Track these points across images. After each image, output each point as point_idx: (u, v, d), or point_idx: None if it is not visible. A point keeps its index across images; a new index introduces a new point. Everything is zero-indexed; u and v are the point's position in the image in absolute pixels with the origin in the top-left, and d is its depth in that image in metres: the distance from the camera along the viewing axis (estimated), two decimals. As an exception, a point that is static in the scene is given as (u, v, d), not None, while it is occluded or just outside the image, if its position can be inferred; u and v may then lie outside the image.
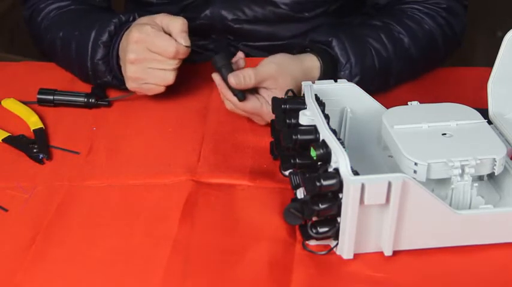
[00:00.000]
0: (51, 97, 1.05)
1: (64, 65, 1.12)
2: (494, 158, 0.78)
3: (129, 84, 1.00)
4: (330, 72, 1.00)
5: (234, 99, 0.94)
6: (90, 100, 1.04)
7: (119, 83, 1.04)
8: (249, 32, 1.15)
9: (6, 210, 0.85)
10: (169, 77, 0.98)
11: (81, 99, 1.05)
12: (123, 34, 1.02)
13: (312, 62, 1.00)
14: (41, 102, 1.05)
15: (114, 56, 1.03)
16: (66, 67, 1.11)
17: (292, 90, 0.88)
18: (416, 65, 1.08)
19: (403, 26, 1.06)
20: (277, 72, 0.95)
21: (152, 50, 0.97)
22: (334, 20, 1.16)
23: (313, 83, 0.89)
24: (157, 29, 0.97)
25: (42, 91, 1.05)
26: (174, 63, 0.97)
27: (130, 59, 0.98)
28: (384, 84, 1.05)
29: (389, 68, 1.04)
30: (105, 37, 1.03)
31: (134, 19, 1.04)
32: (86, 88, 1.07)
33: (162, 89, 1.00)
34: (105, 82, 1.05)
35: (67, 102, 1.05)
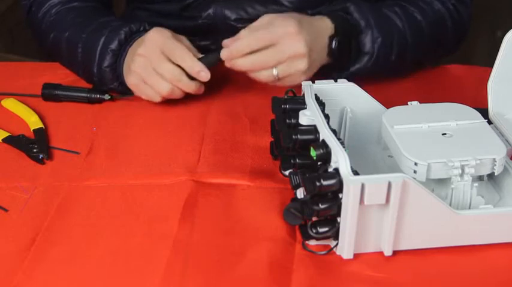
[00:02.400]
0: (55, 92, 1.05)
1: (68, 65, 1.11)
2: (494, 158, 0.78)
3: (129, 79, 1.00)
4: (348, 35, 1.00)
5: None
6: (93, 95, 1.05)
7: (125, 89, 1.04)
8: None
9: (6, 210, 0.85)
10: (164, 89, 0.98)
11: (84, 94, 1.05)
12: (132, 43, 1.02)
13: (323, 22, 0.99)
14: (45, 96, 1.05)
15: (121, 64, 1.03)
16: (70, 68, 1.11)
17: (292, 90, 0.88)
18: (428, 43, 1.08)
19: (415, 5, 1.08)
20: (272, 17, 0.96)
21: (166, 53, 0.97)
22: None
23: (313, 82, 0.89)
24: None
25: (46, 86, 1.06)
26: (176, 79, 0.97)
27: (140, 53, 0.98)
28: (401, 59, 1.05)
29: (405, 40, 1.05)
30: (114, 45, 1.02)
31: (145, 29, 1.03)
32: (85, 85, 1.07)
33: (157, 98, 1.00)
34: (110, 89, 1.05)
35: (71, 95, 1.05)
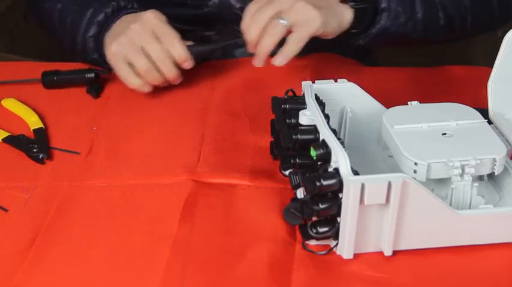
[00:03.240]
0: (54, 77, 1.07)
1: (57, 35, 1.13)
2: (494, 158, 0.78)
3: (111, 47, 1.01)
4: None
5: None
6: (90, 75, 1.07)
7: (104, 62, 1.05)
8: None
9: (6, 210, 0.85)
10: (143, 65, 0.98)
11: (82, 75, 1.07)
12: (120, 17, 1.03)
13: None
14: (45, 81, 1.07)
15: (104, 35, 1.04)
16: (58, 38, 1.13)
17: (292, 90, 0.88)
18: (465, 5, 1.06)
19: None
20: None
21: (158, 35, 0.98)
22: None
23: (313, 82, 0.89)
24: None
25: (45, 73, 1.08)
26: (161, 60, 0.98)
27: (133, 27, 0.99)
28: (431, 18, 1.03)
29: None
30: (100, 17, 1.05)
31: (133, 7, 1.05)
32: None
33: (129, 75, 1.00)
34: (91, 59, 1.07)
35: (69, 78, 1.07)
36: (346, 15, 0.99)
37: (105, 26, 1.04)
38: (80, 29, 1.06)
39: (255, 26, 0.96)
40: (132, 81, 1.01)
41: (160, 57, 0.99)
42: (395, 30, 1.02)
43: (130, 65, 1.00)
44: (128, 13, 1.04)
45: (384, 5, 1.01)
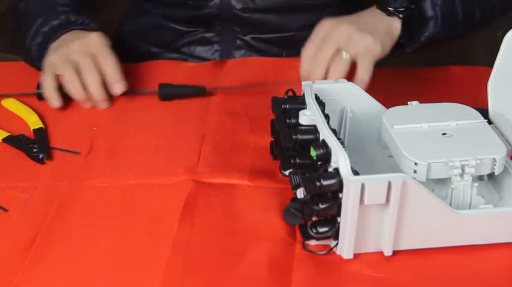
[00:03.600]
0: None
1: (20, 34, 1.14)
2: (494, 158, 0.78)
3: (52, 57, 1.02)
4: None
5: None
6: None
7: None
8: (257, 22, 1.15)
9: (6, 210, 0.85)
10: (69, 75, 0.99)
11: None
12: (68, 31, 1.05)
13: (374, 13, 1.00)
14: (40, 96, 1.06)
15: (48, 48, 1.05)
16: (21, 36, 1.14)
17: (292, 90, 0.88)
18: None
19: None
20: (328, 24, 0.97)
21: (96, 57, 1.00)
22: (343, 9, 1.15)
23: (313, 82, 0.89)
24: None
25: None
26: (93, 77, 1.00)
27: (77, 43, 1.01)
28: (469, 16, 1.04)
29: None
30: (46, 28, 1.06)
31: (83, 23, 1.07)
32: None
33: (50, 86, 1.01)
34: (35, 66, 1.08)
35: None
36: (395, 27, 1.00)
37: (50, 37, 1.05)
38: (29, 35, 1.07)
39: (320, 69, 0.97)
40: (47, 92, 1.02)
41: (90, 72, 1.00)
42: (442, 35, 1.03)
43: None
44: (77, 28, 1.06)
45: (430, 13, 1.02)
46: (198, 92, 1.05)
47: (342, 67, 0.96)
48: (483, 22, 1.09)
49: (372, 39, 0.96)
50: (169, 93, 1.05)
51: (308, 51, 0.98)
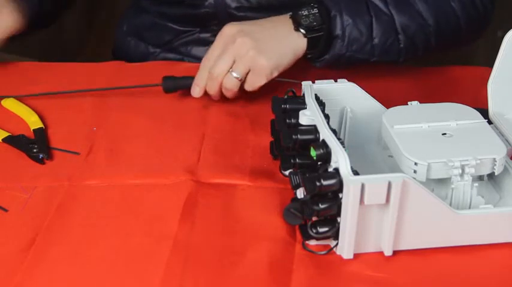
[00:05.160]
0: None
1: None
2: (494, 158, 0.78)
3: None
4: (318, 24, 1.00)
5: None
6: None
7: None
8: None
9: (6, 210, 0.85)
10: None
11: None
12: None
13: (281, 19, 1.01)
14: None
15: None
16: None
17: (292, 90, 0.88)
18: (428, 25, 1.04)
19: None
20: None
21: None
22: None
23: (313, 82, 0.89)
24: None
25: None
26: None
27: None
28: (388, 42, 1.03)
29: (390, 19, 1.02)
30: None
31: None
32: (85, 86, 1.07)
33: None
34: None
35: None
36: (300, 43, 1.00)
37: None
38: None
39: (215, 84, 1.00)
40: None
41: None
42: (350, 56, 1.03)
43: None
44: None
45: (337, 32, 1.01)
46: None
47: (232, 86, 0.99)
48: (418, 51, 1.06)
49: (265, 62, 0.98)
50: (173, 85, 1.05)
51: (205, 63, 1.01)
